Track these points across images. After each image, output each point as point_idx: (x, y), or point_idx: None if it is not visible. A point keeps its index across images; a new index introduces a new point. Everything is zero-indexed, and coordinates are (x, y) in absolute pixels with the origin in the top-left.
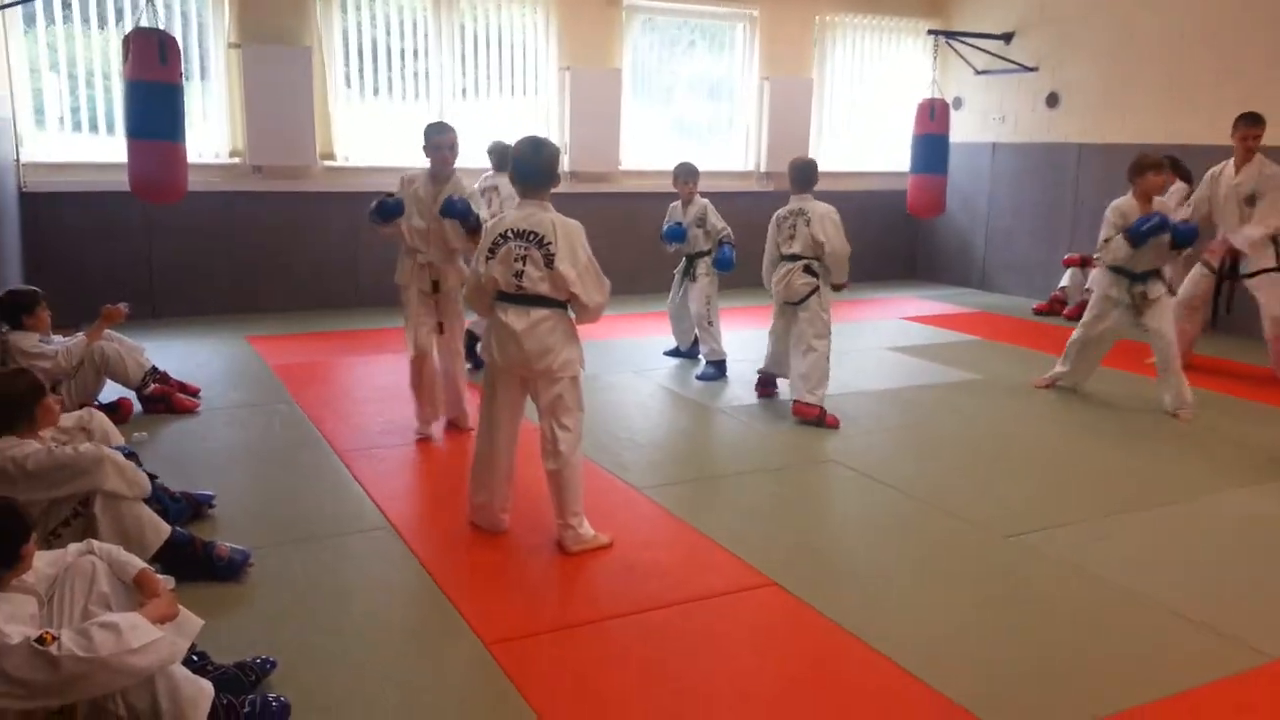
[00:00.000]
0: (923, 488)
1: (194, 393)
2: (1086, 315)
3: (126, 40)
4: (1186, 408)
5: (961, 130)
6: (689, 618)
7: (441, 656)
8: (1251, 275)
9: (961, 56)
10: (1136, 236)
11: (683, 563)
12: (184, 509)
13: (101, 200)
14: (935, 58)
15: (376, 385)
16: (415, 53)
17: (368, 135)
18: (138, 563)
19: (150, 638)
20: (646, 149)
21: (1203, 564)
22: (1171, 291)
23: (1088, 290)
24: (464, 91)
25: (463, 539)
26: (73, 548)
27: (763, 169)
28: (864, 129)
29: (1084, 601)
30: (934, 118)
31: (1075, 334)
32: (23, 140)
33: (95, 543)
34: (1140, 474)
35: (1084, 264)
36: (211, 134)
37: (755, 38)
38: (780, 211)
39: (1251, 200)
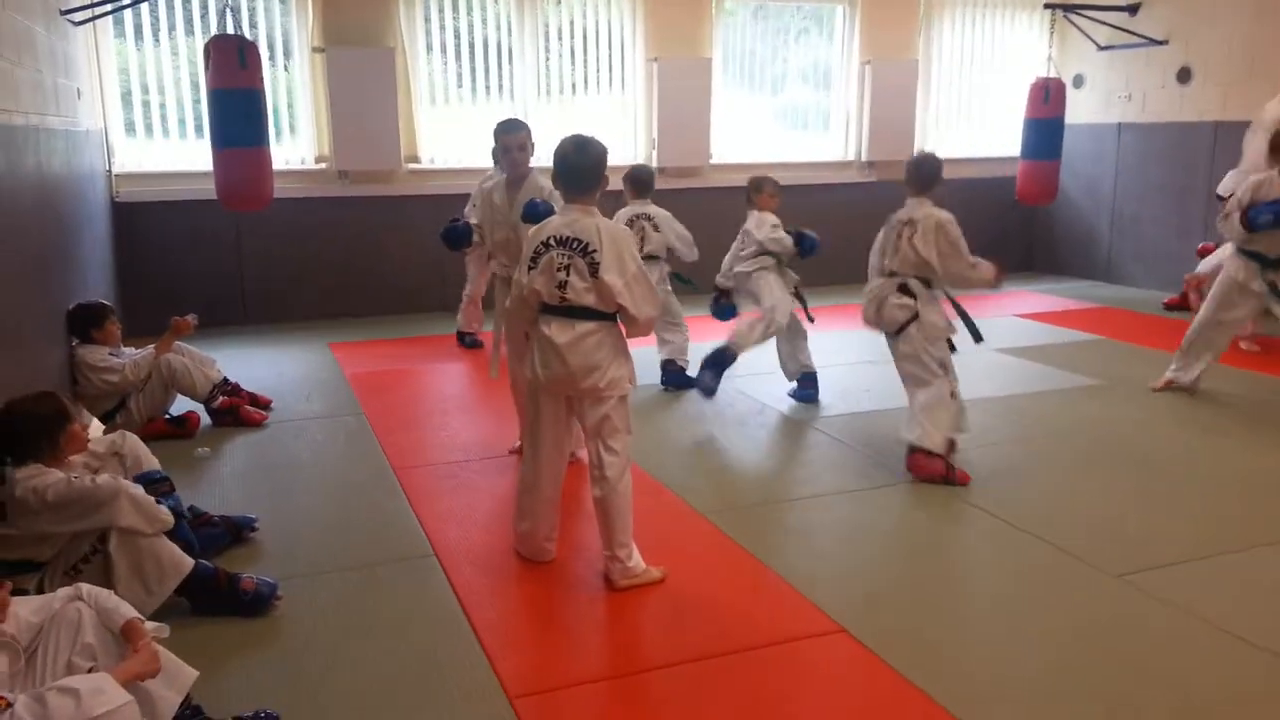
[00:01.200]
0: (1026, 514)
1: (265, 404)
2: (1210, 302)
3: (207, 48)
4: None
5: (1084, 111)
6: (741, 669)
7: (459, 713)
8: None
9: (1082, 31)
10: (1252, 223)
11: (742, 603)
12: (222, 535)
13: (192, 209)
14: (1053, 34)
15: (448, 395)
16: (499, 50)
17: (452, 136)
18: (127, 610)
19: (116, 703)
20: (739, 141)
21: None
22: None
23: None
24: (549, 89)
25: (507, 570)
26: (61, 593)
27: (864, 158)
28: (975, 113)
29: (1213, 665)
30: (1048, 100)
31: (1197, 321)
32: (114, 150)
33: (85, 587)
34: None
35: None
36: (299, 140)
37: (856, 19)
38: (893, 217)
39: None
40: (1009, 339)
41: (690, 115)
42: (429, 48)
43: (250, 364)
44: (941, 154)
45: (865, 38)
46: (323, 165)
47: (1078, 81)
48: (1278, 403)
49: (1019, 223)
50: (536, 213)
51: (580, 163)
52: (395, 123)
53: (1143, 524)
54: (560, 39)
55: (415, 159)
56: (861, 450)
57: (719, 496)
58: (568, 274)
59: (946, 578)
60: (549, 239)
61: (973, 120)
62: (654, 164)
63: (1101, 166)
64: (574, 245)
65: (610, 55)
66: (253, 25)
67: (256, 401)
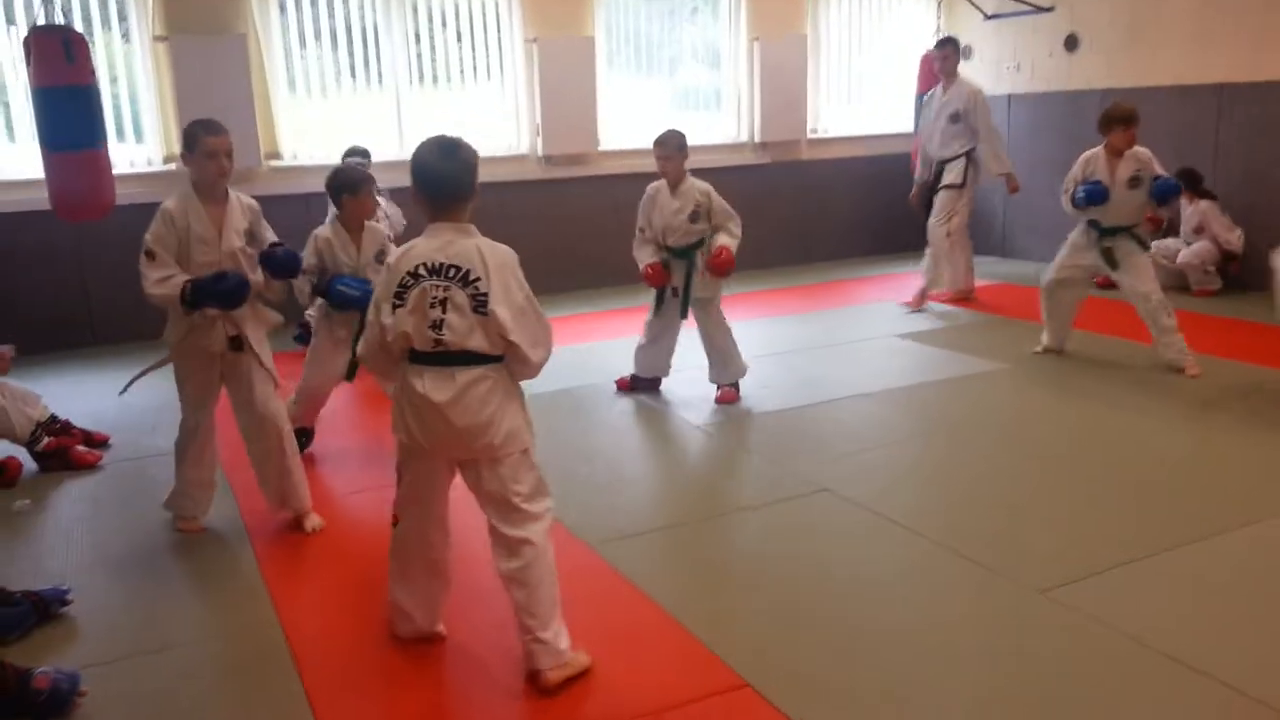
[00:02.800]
0: (937, 523)
1: (101, 442)
2: (1055, 261)
3: (26, 42)
4: (1189, 363)
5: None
6: None
7: None
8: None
9: (970, 1)
10: (1075, 202)
11: (633, 658)
12: (26, 614)
13: (25, 222)
14: (940, 3)
15: (329, 427)
16: (365, 35)
17: (317, 130)
18: None
19: None
20: (628, 126)
21: None
22: (1145, 247)
23: None
24: (422, 76)
25: (369, 654)
26: None
27: (758, 139)
28: (867, 89)
29: (1160, 693)
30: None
31: (1044, 281)
32: None
33: None
34: (1212, 481)
35: None
36: (145, 140)
37: None
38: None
39: (955, 118)
40: (909, 322)
41: (575, 99)
42: (285, 34)
43: (94, 393)
44: (835, 132)
45: (752, 13)
46: (173, 166)
47: (966, 53)
48: (1162, 374)
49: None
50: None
51: (450, 169)
52: (252, 116)
53: (1061, 527)
54: (431, 21)
55: (277, 155)
56: (758, 456)
57: (605, 524)
58: (444, 310)
59: (855, 608)
60: (417, 268)
61: (865, 97)
62: (539, 152)
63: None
64: (452, 274)
65: (486, 37)
66: (84, 14)
67: (91, 440)
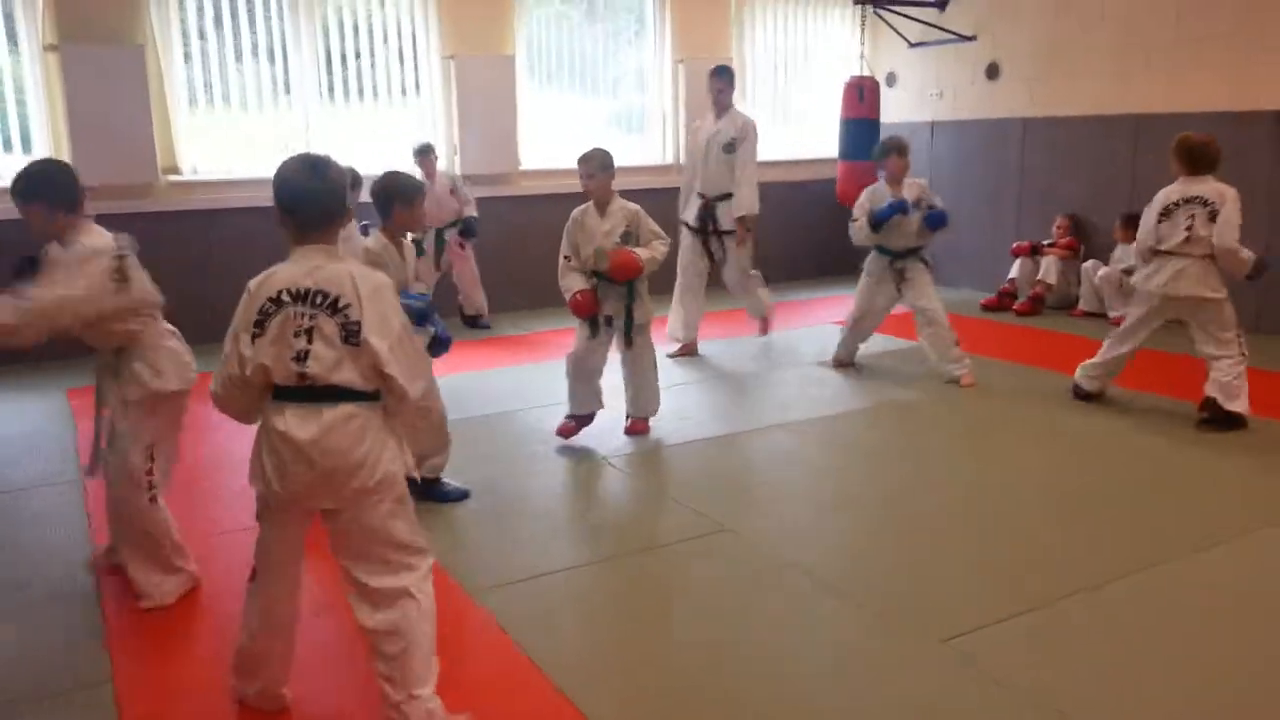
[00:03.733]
0: (840, 568)
1: None
2: (857, 300)
3: None
4: (966, 372)
5: (897, 109)
6: None
7: None
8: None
9: (893, 28)
10: (876, 221)
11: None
12: None
13: None
14: (864, 31)
15: (207, 447)
16: (272, 48)
17: (219, 144)
18: None
19: None
20: (551, 146)
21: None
22: (929, 265)
23: (1039, 281)
24: (333, 92)
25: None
26: None
27: (682, 161)
28: (793, 113)
29: None
30: (863, 99)
31: (852, 311)
32: None
33: None
34: (1111, 519)
35: (1034, 252)
36: (34, 152)
37: (667, 16)
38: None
39: (730, 148)
40: (829, 350)
41: (494, 119)
42: (186, 45)
43: None
44: (761, 156)
45: (678, 36)
46: None
47: (890, 80)
48: (1078, 406)
49: (838, 226)
50: None
51: (318, 189)
52: (149, 130)
53: (966, 569)
54: (343, 37)
55: (175, 170)
56: (660, 493)
57: (490, 568)
58: (309, 340)
59: (746, 664)
60: (280, 293)
61: (791, 121)
62: (457, 171)
63: (915, 166)
64: (319, 301)
65: (401, 54)
66: None
67: None
